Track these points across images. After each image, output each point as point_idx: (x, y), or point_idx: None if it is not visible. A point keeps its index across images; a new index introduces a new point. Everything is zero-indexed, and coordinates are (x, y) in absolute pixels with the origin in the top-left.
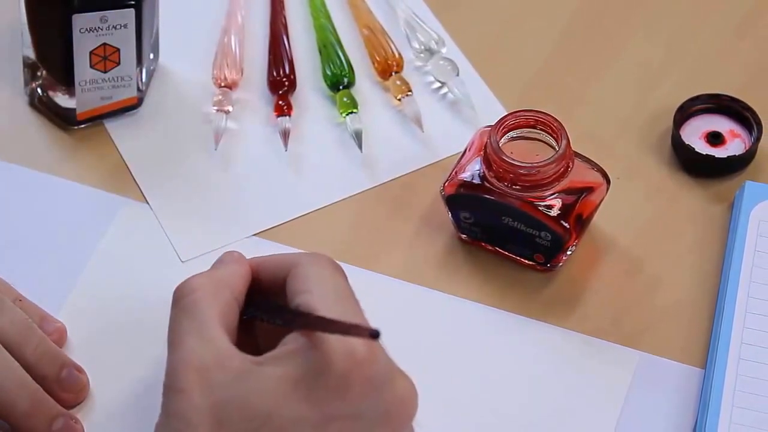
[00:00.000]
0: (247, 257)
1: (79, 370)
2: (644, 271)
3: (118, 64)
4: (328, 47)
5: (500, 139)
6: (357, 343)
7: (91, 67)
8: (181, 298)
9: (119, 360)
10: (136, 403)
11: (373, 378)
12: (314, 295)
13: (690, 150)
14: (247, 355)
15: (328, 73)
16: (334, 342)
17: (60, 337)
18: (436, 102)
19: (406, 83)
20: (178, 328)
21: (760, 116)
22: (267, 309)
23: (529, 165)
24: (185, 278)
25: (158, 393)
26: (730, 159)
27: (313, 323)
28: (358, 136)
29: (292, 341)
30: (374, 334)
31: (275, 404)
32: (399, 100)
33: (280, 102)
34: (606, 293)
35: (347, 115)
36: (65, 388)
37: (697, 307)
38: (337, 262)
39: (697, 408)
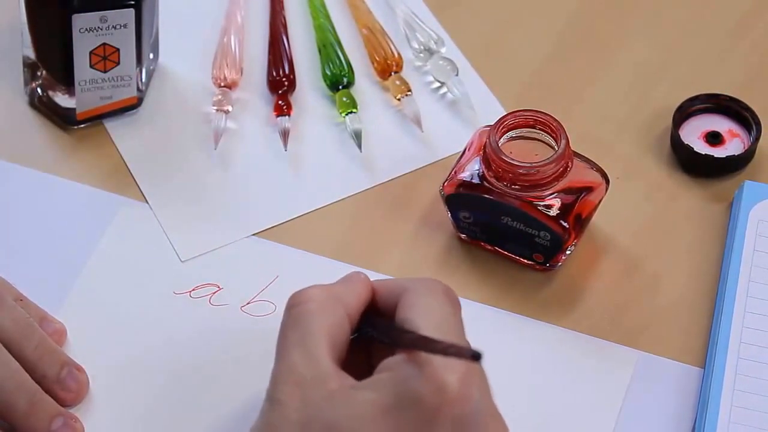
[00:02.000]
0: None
1: (79, 369)
2: (643, 271)
3: (118, 64)
4: (328, 47)
5: (499, 139)
6: (451, 378)
7: (91, 66)
8: (293, 306)
9: (119, 359)
10: (136, 402)
11: (463, 418)
12: (418, 324)
13: (689, 150)
14: (347, 376)
15: (328, 72)
16: (429, 371)
17: (60, 338)
18: (436, 102)
19: (405, 83)
20: (285, 336)
21: (759, 116)
22: (374, 326)
23: (529, 165)
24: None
25: (158, 393)
26: (729, 159)
27: (414, 342)
28: (357, 136)
29: (390, 367)
30: (475, 356)
31: (361, 429)
32: (398, 99)
33: (280, 102)
34: (605, 293)
35: (347, 114)
36: (65, 387)
37: (696, 306)
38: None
39: (696, 407)
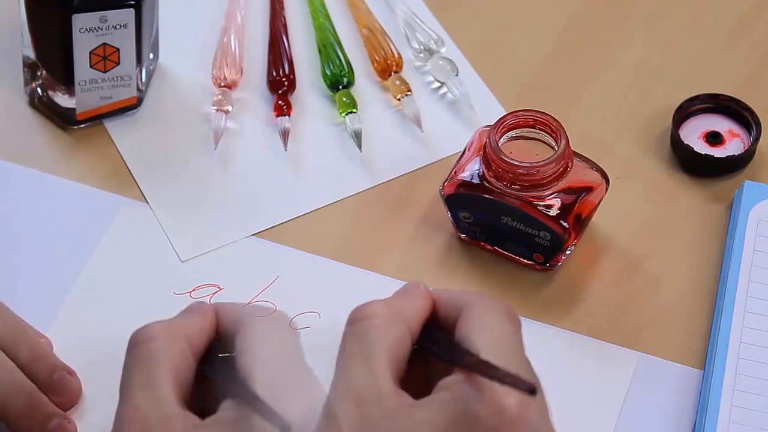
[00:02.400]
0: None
1: (71, 373)
2: (643, 271)
3: (118, 64)
4: (328, 47)
5: (499, 139)
6: (510, 401)
7: (91, 66)
8: (356, 321)
9: (118, 360)
10: None
11: None
12: (477, 343)
13: (689, 150)
14: (405, 394)
15: (328, 72)
16: (488, 394)
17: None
18: (436, 102)
19: (405, 83)
20: (347, 350)
21: (759, 116)
22: (435, 341)
23: (529, 165)
24: (142, 325)
25: None
26: (729, 159)
27: (473, 365)
28: (357, 136)
29: (449, 386)
30: (530, 390)
31: None
32: (398, 99)
33: (280, 102)
34: (605, 293)
35: (347, 114)
36: (56, 391)
37: (696, 306)
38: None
39: (695, 409)
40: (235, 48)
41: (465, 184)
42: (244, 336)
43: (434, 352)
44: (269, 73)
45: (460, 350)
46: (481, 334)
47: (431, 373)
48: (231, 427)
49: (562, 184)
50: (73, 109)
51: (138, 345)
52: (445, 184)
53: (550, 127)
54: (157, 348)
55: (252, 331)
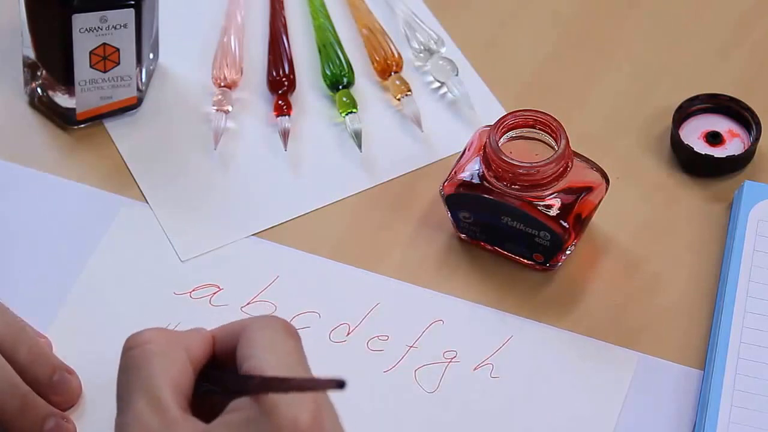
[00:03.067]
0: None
1: (71, 373)
2: (643, 271)
3: (118, 63)
4: (328, 47)
5: (499, 139)
6: (302, 413)
7: (91, 66)
8: (131, 348)
9: (118, 360)
10: None
11: None
12: (261, 359)
13: (689, 150)
14: (196, 420)
15: (328, 72)
16: (281, 410)
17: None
18: (436, 102)
19: (405, 83)
20: (126, 381)
21: (759, 116)
22: (218, 379)
23: (529, 165)
24: (135, 330)
25: None
26: (729, 159)
27: (263, 385)
28: (357, 136)
29: (240, 407)
30: (340, 384)
31: None
32: (398, 99)
33: (280, 102)
34: (605, 293)
35: (347, 114)
36: (57, 391)
37: (696, 306)
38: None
39: (695, 410)
40: (235, 48)
41: (465, 184)
42: (246, 344)
43: (220, 391)
44: (269, 73)
45: (243, 377)
46: (264, 350)
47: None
48: (244, 427)
49: (562, 184)
50: (73, 109)
51: (132, 348)
52: (445, 184)
53: (550, 127)
54: (153, 351)
55: (254, 339)
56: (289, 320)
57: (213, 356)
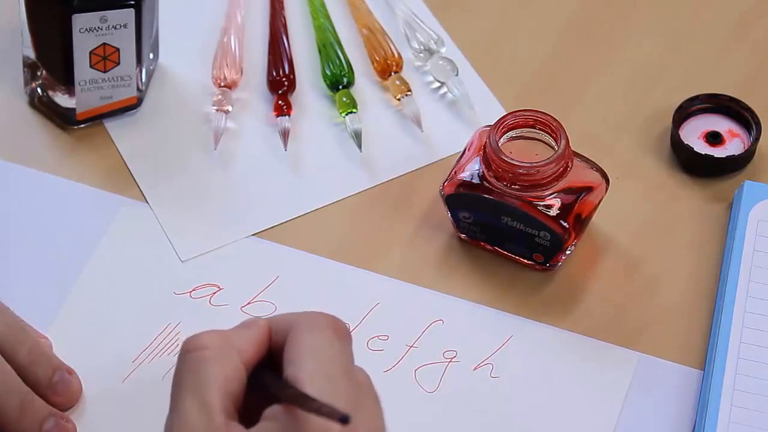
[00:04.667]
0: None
1: (71, 373)
2: (643, 271)
3: (118, 64)
4: (328, 47)
5: (499, 139)
6: (335, 428)
7: (91, 66)
8: (188, 352)
9: (118, 360)
10: (133, 403)
11: None
12: (302, 367)
13: (689, 150)
14: (239, 427)
15: (328, 72)
16: (313, 423)
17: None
18: (436, 102)
19: (405, 83)
20: (180, 382)
21: (759, 116)
22: (262, 381)
23: (529, 165)
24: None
25: (156, 394)
26: (729, 159)
27: (292, 398)
28: (357, 136)
29: (274, 416)
30: (343, 419)
31: None
32: (398, 99)
33: (280, 102)
34: (605, 293)
35: (347, 114)
36: (57, 391)
37: (695, 306)
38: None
39: (695, 410)
40: (235, 48)
41: (465, 184)
42: (295, 341)
43: (261, 387)
44: (269, 73)
45: (281, 383)
46: (306, 359)
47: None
48: None
49: (562, 184)
50: (73, 109)
51: (190, 351)
52: (445, 184)
53: (550, 127)
54: (209, 357)
55: (298, 341)
56: (340, 324)
57: (268, 352)
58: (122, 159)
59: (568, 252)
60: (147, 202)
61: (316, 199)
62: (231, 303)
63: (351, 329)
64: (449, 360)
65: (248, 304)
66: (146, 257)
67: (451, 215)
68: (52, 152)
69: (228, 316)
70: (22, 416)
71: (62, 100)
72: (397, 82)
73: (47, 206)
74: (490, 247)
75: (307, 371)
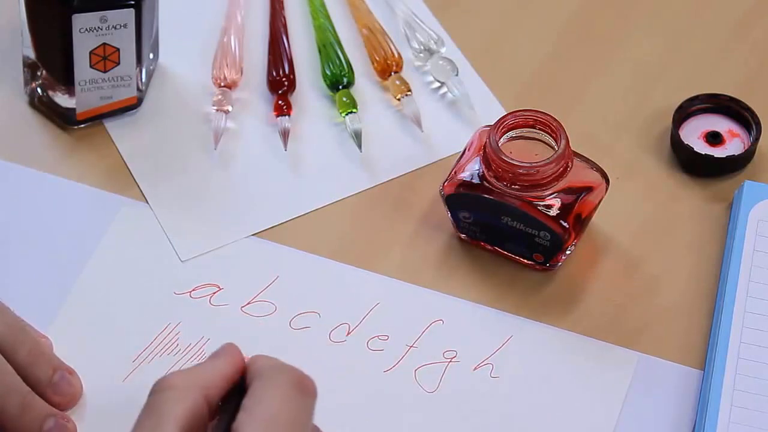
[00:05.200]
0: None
1: (71, 373)
2: (643, 271)
3: (118, 64)
4: (328, 47)
5: (499, 139)
6: None
7: (91, 66)
8: (152, 393)
9: (118, 360)
10: (133, 403)
11: None
12: (252, 417)
13: (689, 150)
14: None
15: (328, 72)
16: None
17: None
18: (436, 102)
19: (405, 83)
20: (140, 423)
21: (759, 116)
22: (224, 411)
23: (529, 165)
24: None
25: None
26: (729, 159)
27: None
28: (357, 136)
29: None
30: None
31: None
32: (398, 99)
33: (280, 102)
34: (605, 293)
35: (347, 114)
36: (57, 392)
37: (695, 306)
38: (338, 259)
39: (695, 410)
40: (235, 48)
41: (465, 184)
42: (254, 392)
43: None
44: (269, 73)
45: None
46: (258, 410)
47: None
48: None
49: (562, 184)
50: (73, 109)
51: (154, 393)
52: (445, 184)
53: (550, 127)
54: (170, 398)
55: (262, 389)
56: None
57: (242, 384)
58: (122, 159)
59: (568, 252)
60: (147, 202)
61: (316, 199)
62: (231, 303)
63: (351, 329)
64: (449, 360)
65: (248, 304)
66: (146, 257)
67: (451, 215)
68: (52, 152)
69: (228, 316)
70: (22, 416)
71: (62, 100)
72: (397, 82)
73: (47, 206)
74: (490, 247)
75: (254, 420)
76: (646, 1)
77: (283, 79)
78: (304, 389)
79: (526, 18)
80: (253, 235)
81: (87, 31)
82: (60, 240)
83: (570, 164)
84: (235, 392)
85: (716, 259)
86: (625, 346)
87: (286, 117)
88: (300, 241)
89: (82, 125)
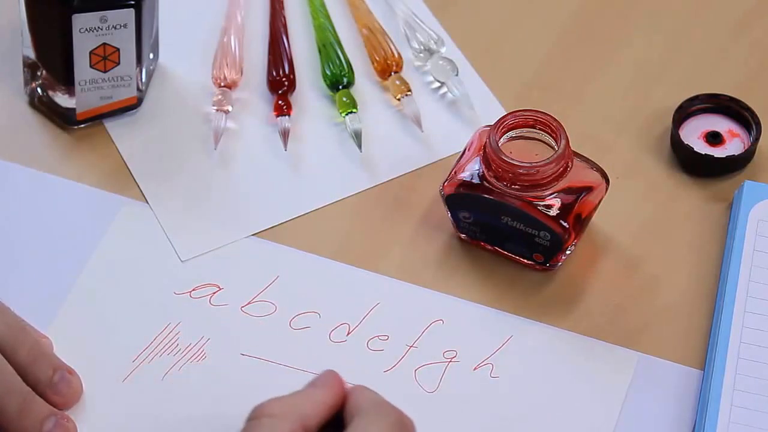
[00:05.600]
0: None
1: (71, 373)
2: (643, 271)
3: (118, 64)
4: (328, 47)
5: (499, 139)
6: None
7: (91, 66)
8: (250, 419)
9: (118, 360)
10: (133, 403)
11: None
12: None
13: (689, 150)
14: None
15: (328, 72)
16: None
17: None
18: (436, 102)
19: (405, 83)
20: None
21: (759, 116)
22: None
23: (529, 165)
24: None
25: (156, 393)
26: (729, 159)
27: None
28: (357, 136)
29: None
30: None
31: None
32: (398, 99)
33: (280, 102)
34: (605, 293)
35: (347, 114)
36: (57, 391)
37: (695, 306)
38: (337, 261)
39: (695, 410)
40: (235, 48)
41: (465, 184)
42: (355, 429)
43: None
44: (269, 73)
45: None
46: None
47: None
48: None
49: (562, 184)
50: (73, 109)
51: (252, 419)
52: (445, 184)
53: (550, 127)
54: (267, 425)
55: (361, 425)
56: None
57: (339, 416)
58: (122, 159)
59: (568, 252)
60: (147, 202)
61: (316, 199)
62: (231, 303)
63: (351, 329)
64: (449, 360)
65: (248, 303)
66: (146, 257)
67: (451, 215)
68: (52, 152)
69: (228, 316)
70: (22, 416)
71: (62, 100)
72: (397, 82)
73: (47, 206)
74: (490, 247)
75: None
76: (646, 1)
77: (283, 79)
78: (405, 429)
79: (526, 18)
80: (253, 235)
81: (87, 31)
82: (60, 240)
83: (570, 164)
84: (333, 423)
85: (716, 259)
86: (625, 346)
87: (286, 117)
88: (300, 241)
89: (82, 125)
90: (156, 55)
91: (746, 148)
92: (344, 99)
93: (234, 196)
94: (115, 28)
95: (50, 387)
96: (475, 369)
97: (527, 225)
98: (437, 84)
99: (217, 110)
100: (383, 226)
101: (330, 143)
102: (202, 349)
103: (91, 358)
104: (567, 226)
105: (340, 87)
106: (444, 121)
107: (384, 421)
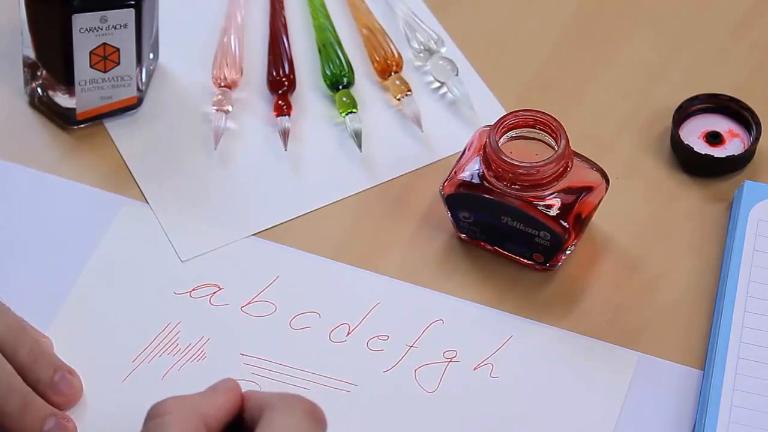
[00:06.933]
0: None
1: (72, 373)
2: (643, 271)
3: (118, 63)
4: (328, 47)
5: (499, 139)
6: None
7: (91, 66)
8: (150, 419)
9: (118, 360)
10: (133, 403)
11: None
12: None
13: (689, 150)
14: None
15: (328, 72)
16: None
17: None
18: (436, 102)
19: (405, 83)
20: None
21: (759, 116)
22: None
23: (529, 165)
24: (158, 401)
25: (156, 393)
26: (729, 159)
27: None
28: (357, 136)
29: None
30: None
31: None
32: (398, 99)
33: (280, 102)
34: (605, 293)
35: (347, 114)
36: (58, 391)
37: (695, 306)
38: (337, 261)
39: (695, 410)
40: (235, 48)
41: (465, 184)
42: (267, 420)
43: None
44: (269, 73)
45: None
46: None
47: None
48: None
49: (562, 184)
50: (73, 109)
51: (152, 418)
52: (445, 184)
53: (550, 127)
54: (169, 421)
55: (277, 417)
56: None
57: (240, 418)
58: (122, 159)
59: (568, 252)
60: (147, 202)
61: (316, 199)
62: (231, 303)
63: (351, 329)
64: (449, 360)
65: (248, 304)
66: (146, 257)
67: (451, 215)
68: (52, 152)
69: (228, 316)
70: (23, 416)
71: (62, 100)
72: (397, 82)
73: (47, 206)
74: (490, 247)
75: None
76: (646, 1)
77: (283, 79)
78: (316, 419)
79: (527, 18)
80: (253, 235)
81: (87, 31)
82: (60, 240)
83: (570, 164)
84: (233, 429)
85: (716, 259)
86: (625, 346)
87: (286, 117)
88: (300, 241)
89: (82, 125)
90: (156, 55)
91: (746, 148)
92: (344, 99)
93: (234, 196)
94: (115, 28)
95: (50, 387)
96: (475, 369)
97: (527, 225)
98: (437, 84)
99: (217, 110)
100: (383, 226)
101: (330, 143)
102: (202, 349)
103: (91, 358)
104: (567, 226)
105: (340, 87)
106: (444, 121)
107: (297, 409)
